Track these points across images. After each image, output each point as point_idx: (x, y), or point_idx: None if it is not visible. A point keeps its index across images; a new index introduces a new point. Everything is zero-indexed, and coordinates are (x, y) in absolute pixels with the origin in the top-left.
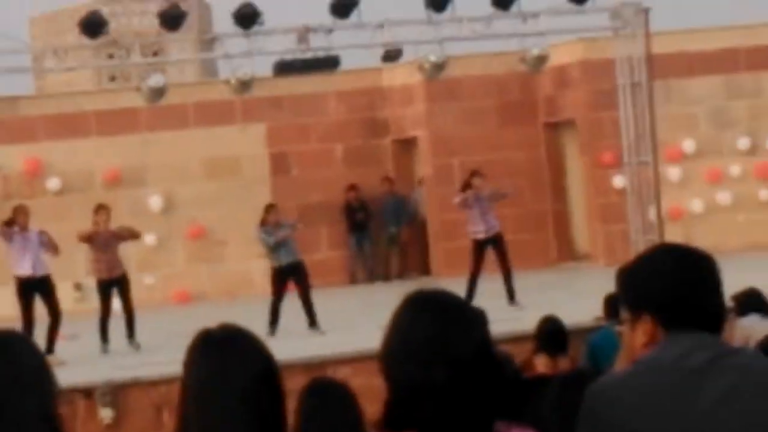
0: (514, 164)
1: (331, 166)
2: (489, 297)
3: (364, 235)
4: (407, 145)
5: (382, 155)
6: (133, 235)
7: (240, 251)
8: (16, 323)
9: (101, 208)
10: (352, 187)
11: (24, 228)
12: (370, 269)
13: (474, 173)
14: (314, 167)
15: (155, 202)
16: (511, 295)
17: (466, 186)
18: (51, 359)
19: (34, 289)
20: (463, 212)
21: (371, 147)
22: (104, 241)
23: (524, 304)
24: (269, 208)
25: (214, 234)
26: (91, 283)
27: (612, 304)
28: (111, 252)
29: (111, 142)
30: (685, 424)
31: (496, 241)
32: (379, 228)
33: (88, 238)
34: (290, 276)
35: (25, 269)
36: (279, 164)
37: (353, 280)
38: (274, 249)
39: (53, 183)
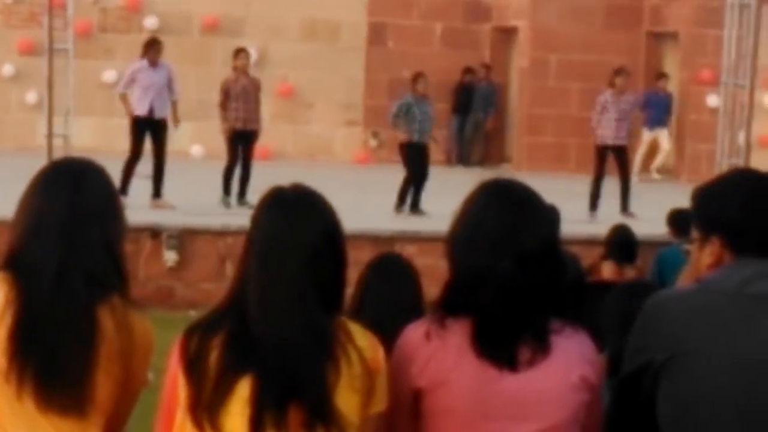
0: (611, 68)
1: (428, 45)
2: (570, 197)
3: (466, 119)
4: (507, 34)
5: (480, 41)
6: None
7: (326, 116)
8: (92, 156)
9: (241, 51)
10: (469, 70)
11: (153, 64)
12: (466, 153)
13: (619, 71)
14: (411, 43)
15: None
16: (624, 206)
17: (609, 85)
18: (160, 202)
19: (148, 128)
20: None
21: (471, 31)
22: (242, 89)
23: (638, 215)
24: (417, 77)
25: (302, 95)
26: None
27: (676, 221)
28: (250, 101)
29: None
30: (738, 349)
31: (619, 152)
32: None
33: (224, 94)
34: (422, 153)
35: (143, 110)
36: (377, 35)
37: (449, 161)
38: (408, 123)
39: (151, 22)
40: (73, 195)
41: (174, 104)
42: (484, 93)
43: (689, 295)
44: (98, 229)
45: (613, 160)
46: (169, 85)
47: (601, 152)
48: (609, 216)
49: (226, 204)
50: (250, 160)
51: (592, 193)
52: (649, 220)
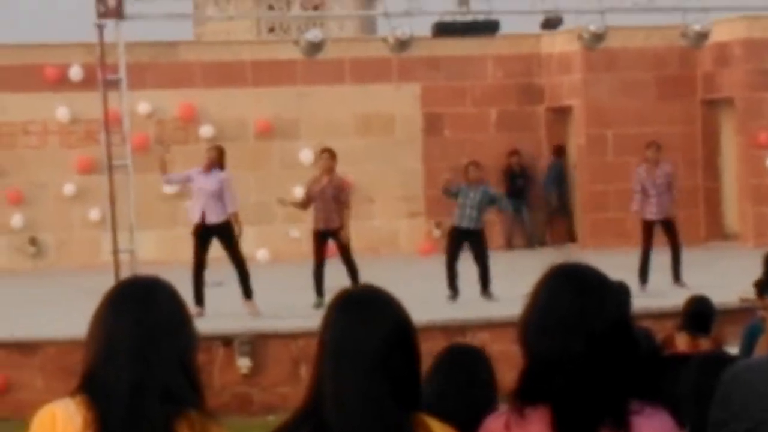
0: (669, 139)
1: (484, 130)
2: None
3: (522, 201)
4: (562, 113)
5: (535, 122)
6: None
7: (387, 209)
8: (158, 268)
9: (323, 152)
10: (515, 153)
11: (205, 169)
12: (529, 235)
13: (649, 144)
14: (467, 130)
15: (306, 155)
16: (676, 276)
17: (643, 160)
18: (251, 305)
19: (207, 235)
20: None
21: (525, 113)
22: (320, 189)
23: (689, 284)
24: (468, 165)
25: (362, 190)
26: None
27: (762, 288)
28: (327, 201)
29: (266, 93)
30: None
31: (666, 224)
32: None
33: (306, 195)
34: (464, 239)
35: (196, 216)
36: (432, 125)
37: (509, 246)
38: (454, 196)
39: (206, 130)
40: (142, 314)
41: (234, 216)
42: (555, 173)
43: (765, 363)
44: (169, 345)
45: (661, 232)
46: (221, 193)
47: (647, 227)
48: (683, 287)
49: (319, 306)
50: (348, 257)
51: (641, 267)
52: (723, 288)
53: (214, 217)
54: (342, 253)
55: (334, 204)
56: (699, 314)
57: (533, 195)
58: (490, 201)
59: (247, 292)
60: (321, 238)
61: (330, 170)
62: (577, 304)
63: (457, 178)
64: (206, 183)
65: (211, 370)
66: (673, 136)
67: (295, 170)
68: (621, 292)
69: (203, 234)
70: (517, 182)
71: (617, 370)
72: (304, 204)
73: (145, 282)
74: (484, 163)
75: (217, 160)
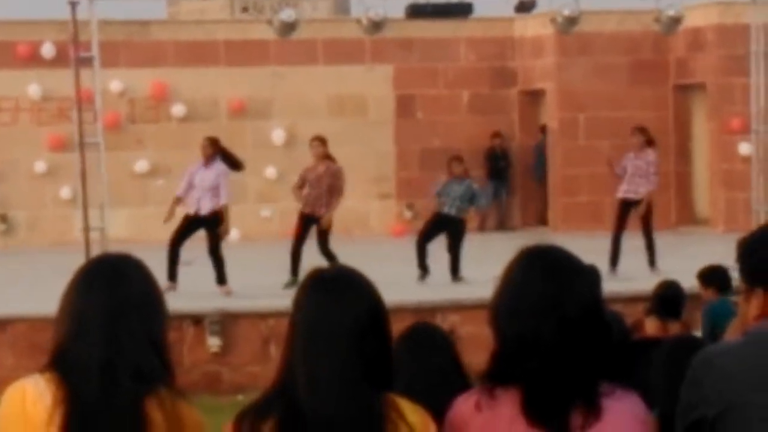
0: (641, 123)
1: (457, 113)
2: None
3: (503, 182)
4: (534, 96)
5: (508, 105)
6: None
7: (359, 190)
8: (129, 247)
9: (313, 140)
10: (497, 135)
11: (205, 162)
12: (501, 218)
13: (632, 130)
14: (439, 112)
15: (278, 135)
16: (650, 261)
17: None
18: (224, 289)
19: (195, 225)
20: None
21: (498, 96)
22: (316, 176)
23: (663, 270)
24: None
25: None
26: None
27: (704, 279)
28: (321, 188)
29: (239, 73)
30: None
31: (636, 206)
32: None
33: (300, 179)
34: (445, 226)
35: (191, 208)
36: (404, 107)
37: (482, 228)
38: (439, 195)
39: (178, 109)
40: (113, 291)
41: (224, 209)
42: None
43: (736, 347)
44: (140, 322)
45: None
46: (217, 186)
47: (620, 206)
48: (645, 271)
49: (290, 286)
50: (324, 246)
51: (611, 251)
52: (693, 272)
53: (207, 209)
54: (319, 240)
55: (326, 193)
56: (669, 298)
57: (513, 176)
58: (470, 198)
59: (221, 279)
60: (305, 221)
61: (323, 157)
62: (548, 287)
63: (440, 181)
64: (205, 177)
65: (181, 349)
66: (646, 121)
67: (267, 150)
68: (592, 274)
69: (193, 223)
70: (499, 164)
71: (589, 352)
72: (298, 186)
73: (117, 259)
74: (456, 146)
75: (212, 154)
